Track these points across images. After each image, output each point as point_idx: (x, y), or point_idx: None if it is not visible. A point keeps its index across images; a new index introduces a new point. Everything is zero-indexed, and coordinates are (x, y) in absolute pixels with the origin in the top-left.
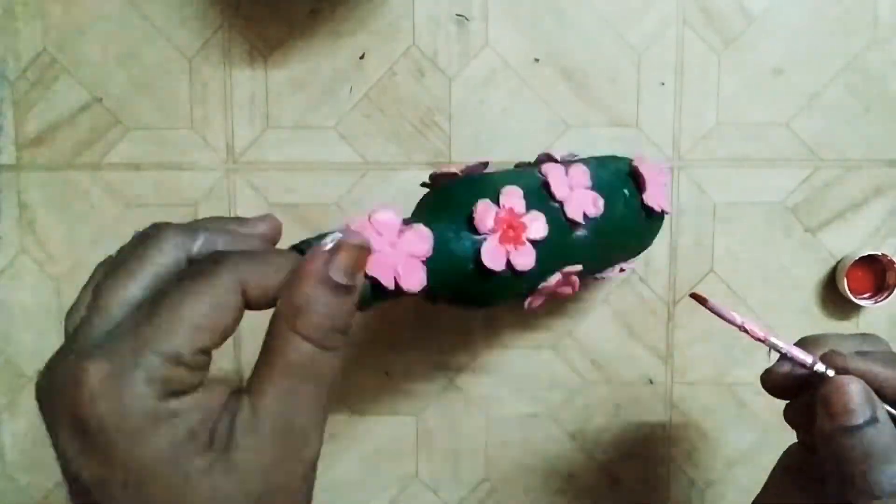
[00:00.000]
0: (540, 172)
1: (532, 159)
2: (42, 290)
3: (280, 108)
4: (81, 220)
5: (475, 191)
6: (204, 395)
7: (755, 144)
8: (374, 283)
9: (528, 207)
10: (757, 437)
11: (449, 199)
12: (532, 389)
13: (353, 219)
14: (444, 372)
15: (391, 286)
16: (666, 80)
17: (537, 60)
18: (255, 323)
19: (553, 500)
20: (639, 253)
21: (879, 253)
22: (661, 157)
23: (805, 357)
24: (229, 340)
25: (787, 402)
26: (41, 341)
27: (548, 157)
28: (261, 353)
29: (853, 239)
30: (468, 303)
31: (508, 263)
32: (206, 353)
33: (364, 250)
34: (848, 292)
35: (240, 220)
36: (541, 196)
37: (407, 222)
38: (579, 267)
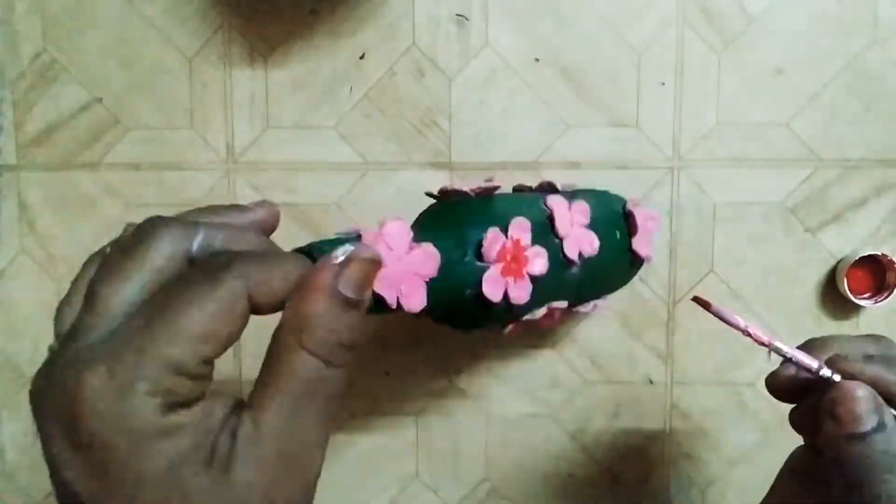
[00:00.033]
0: (545, 205)
1: (532, 159)
2: (42, 290)
3: (280, 108)
4: (81, 220)
5: (487, 217)
6: (205, 409)
7: (755, 144)
8: (377, 298)
9: (533, 241)
10: (757, 437)
11: (460, 220)
12: (532, 389)
13: (362, 227)
14: (444, 372)
15: (393, 304)
16: (666, 80)
17: (537, 60)
18: (259, 327)
19: (553, 500)
20: (612, 292)
21: (879, 253)
22: (661, 157)
23: (811, 362)
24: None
25: (793, 405)
26: (41, 341)
27: (550, 187)
28: (263, 365)
29: (853, 239)
30: (453, 324)
31: (505, 295)
32: (210, 362)
33: (375, 265)
34: (848, 292)
35: (238, 208)
36: (545, 230)
37: (415, 238)
38: (565, 304)
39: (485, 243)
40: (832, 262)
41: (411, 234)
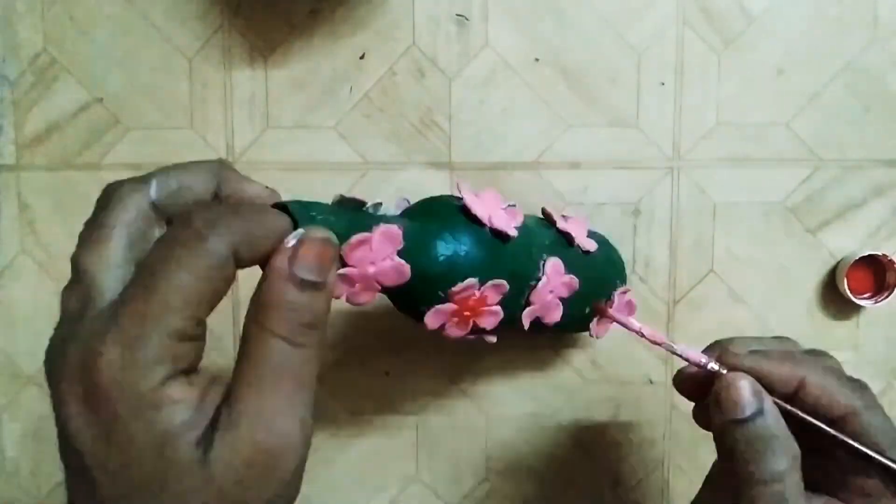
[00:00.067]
0: (542, 265)
1: (531, 160)
2: (42, 290)
3: (280, 108)
4: (81, 220)
5: (487, 255)
6: (202, 390)
7: (755, 144)
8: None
9: (503, 301)
10: None
11: (455, 226)
12: (532, 389)
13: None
14: (444, 371)
15: (341, 297)
16: (666, 80)
17: (537, 60)
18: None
19: (553, 500)
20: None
21: (879, 253)
22: (661, 157)
23: (698, 358)
24: (228, 338)
25: (695, 404)
26: (41, 341)
27: (568, 234)
28: (237, 354)
29: (853, 239)
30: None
31: (442, 326)
32: (202, 322)
33: (328, 244)
34: (848, 292)
35: (180, 168)
36: (520, 291)
37: (405, 213)
38: (493, 338)
39: (456, 288)
40: (832, 262)
41: (401, 244)
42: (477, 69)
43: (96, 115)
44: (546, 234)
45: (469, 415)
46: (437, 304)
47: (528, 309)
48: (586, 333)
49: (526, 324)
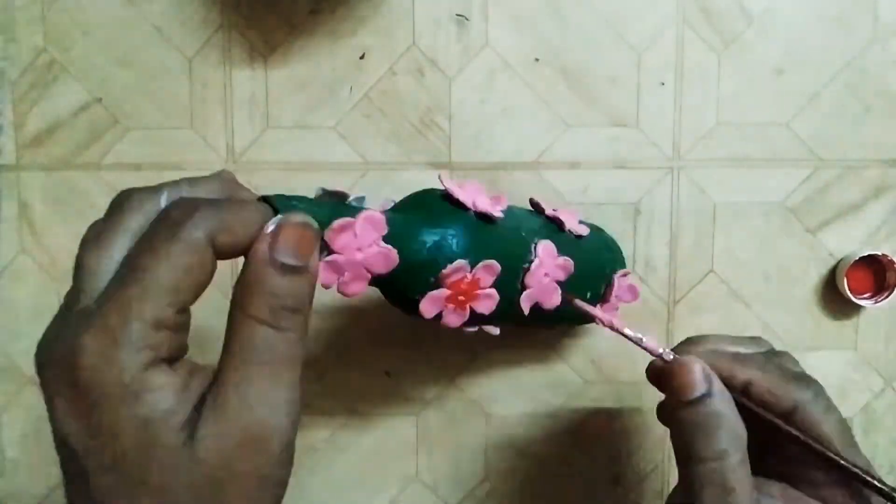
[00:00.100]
0: (533, 248)
1: (531, 160)
2: (42, 290)
3: (280, 108)
4: (81, 220)
5: (476, 239)
6: (185, 377)
7: (755, 144)
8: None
9: (496, 283)
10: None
11: (443, 218)
12: (532, 389)
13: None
14: (444, 372)
15: (332, 286)
16: (666, 80)
17: (537, 60)
18: None
19: (553, 500)
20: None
21: (879, 253)
22: (661, 157)
23: (656, 348)
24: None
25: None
26: None
27: (558, 220)
28: (223, 341)
29: (853, 239)
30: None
31: (438, 315)
32: (185, 310)
33: (308, 228)
34: (848, 292)
35: (191, 181)
36: (514, 274)
37: (394, 208)
38: (496, 330)
39: (446, 270)
40: (832, 262)
41: (385, 230)
42: (477, 69)
43: (96, 115)
44: (535, 220)
45: (469, 414)
46: (429, 290)
47: (525, 293)
48: (586, 334)
49: (525, 308)
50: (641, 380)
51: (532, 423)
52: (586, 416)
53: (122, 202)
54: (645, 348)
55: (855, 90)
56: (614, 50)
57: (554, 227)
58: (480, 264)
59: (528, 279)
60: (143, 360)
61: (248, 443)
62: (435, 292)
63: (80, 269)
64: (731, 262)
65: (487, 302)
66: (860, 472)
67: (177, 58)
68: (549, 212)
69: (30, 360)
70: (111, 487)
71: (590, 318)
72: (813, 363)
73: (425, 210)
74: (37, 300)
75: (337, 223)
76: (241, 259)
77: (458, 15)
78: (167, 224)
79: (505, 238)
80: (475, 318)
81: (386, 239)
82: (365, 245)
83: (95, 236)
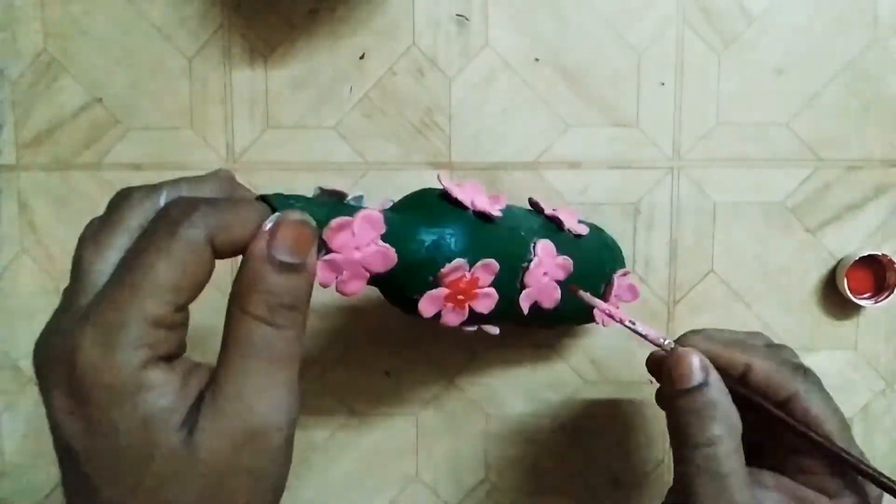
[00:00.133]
0: (532, 248)
1: (531, 160)
2: (42, 290)
3: (280, 108)
4: (81, 220)
5: (474, 238)
6: (184, 375)
7: (755, 144)
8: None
9: (495, 282)
10: None
11: (443, 218)
12: (532, 389)
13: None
14: (444, 372)
15: (330, 285)
16: (666, 80)
17: (537, 60)
18: None
19: (553, 499)
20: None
21: (879, 253)
22: (661, 157)
23: (656, 335)
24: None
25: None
26: None
27: (558, 219)
28: (221, 338)
29: (853, 239)
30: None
31: (437, 315)
32: (183, 308)
33: (305, 226)
34: (848, 292)
35: (190, 180)
36: (514, 273)
37: (393, 208)
38: (496, 329)
39: (445, 270)
40: (832, 262)
41: (383, 229)
42: (477, 69)
43: (96, 115)
44: (535, 220)
45: (469, 414)
46: (428, 289)
47: (524, 292)
48: (586, 333)
49: (525, 307)
50: (641, 380)
51: (532, 423)
52: (586, 417)
53: (121, 201)
54: (645, 337)
55: (855, 90)
56: (614, 50)
57: (553, 227)
58: (479, 263)
59: (528, 278)
60: (142, 359)
61: (246, 440)
62: (434, 291)
63: (78, 267)
64: (731, 262)
65: (486, 301)
66: (855, 461)
67: (177, 58)
68: (548, 211)
69: (30, 360)
70: (110, 486)
71: (590, 318)
72: (813, 363)
73: (424, 209)
74: (37, 300)
75: (335, 222)
76: (239, 258)
77: (458, 15)
78: (166, 223)
79: (504, 237)
80: (474, 317)
81: (384, 238)
82: (363, 244)
83: (94, 235)
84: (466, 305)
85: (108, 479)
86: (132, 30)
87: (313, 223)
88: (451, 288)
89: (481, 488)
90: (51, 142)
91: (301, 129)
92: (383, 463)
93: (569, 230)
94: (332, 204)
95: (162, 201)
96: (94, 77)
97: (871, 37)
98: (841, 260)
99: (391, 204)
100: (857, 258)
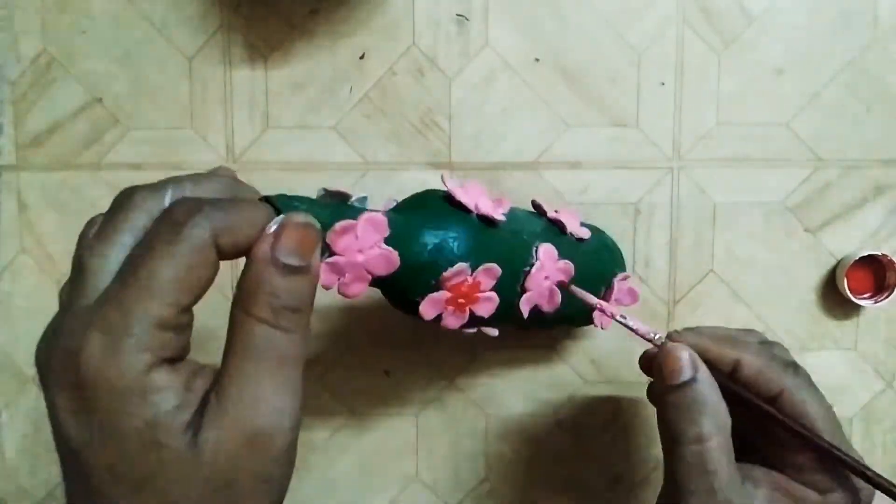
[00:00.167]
0: (535, 251)
1: (531, 160)
2: (42, 290)
3: (280, 108)
4: (81, 219)
5: (477, 242)
6: (188, 378)
7: (755, 144)
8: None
9: (496, 286)
10: None
11: (447, 221)
12: (532, 389)
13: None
14: (444, 372)
15: (332, 287)
16: (666, 80)
17: (537, 60)
18: None
19: (553, 500)
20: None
21: (879, 253)
22: (661, 157)
23: (647, 331)
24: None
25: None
26: None
27: (560, 223)
28: (225, 341)
29: (853, 239)
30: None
31: (438, 318)
32: (188, 310)
33: (310, 228)
34: (848, 292)
35: (194, 178)
36: (515, 276)
37: (395, 209)
38: (495, 331)
39: (447, 273)
40: (832, 262)
41: (387, 232)
42: (477, 69)
43: (96, 115)
44: (537, 223)
45: (469, 414)
46: (430, 292)
47: (525, 296)
48: (586, 334)
49: (525, 311)
50: (641, 380)
51: (532, 423)
52: (586, 417)
53: (125, 200)
54: (636, 332)
55: (855, 90)
56: (614, 50)
57: (556, 230)
58: (481, 268)
59: (529, 282)
60: (146, 361)
61: (250, 442)
62: (435, 294)
63: (80, 267)
64: (731, 262)
65: (487, 305)
66: (845, 457)
67: (177, 58)
68: (551, 214)
69: (30, 360)
70: (113, 488)
71: (589, 320)
72: (813, 363)
73: (427, 211)
74: (37, 300)
75: (339, 225)
76: (242, 260)
77: (458, 15)
78: (170, 223)
79: (506, 241)
80: (474, 319)
81: (387, 240)
82: (366, 247)
83: (97, 234)
84: (467, 309)
85: (111, 481)
86: (132, 30)
87: (317, 226)
88: (453, 292)
89: (481, 488)
90: (51, 142)
91: (301, 129)
92: (383, 463)
93: (571, 234)
94: (336, 205)
95: (166, 201)
96: (94, 77)
97: (871, 37)
98: (841, 260)
99: (394, 204)
100: (856, 258)
